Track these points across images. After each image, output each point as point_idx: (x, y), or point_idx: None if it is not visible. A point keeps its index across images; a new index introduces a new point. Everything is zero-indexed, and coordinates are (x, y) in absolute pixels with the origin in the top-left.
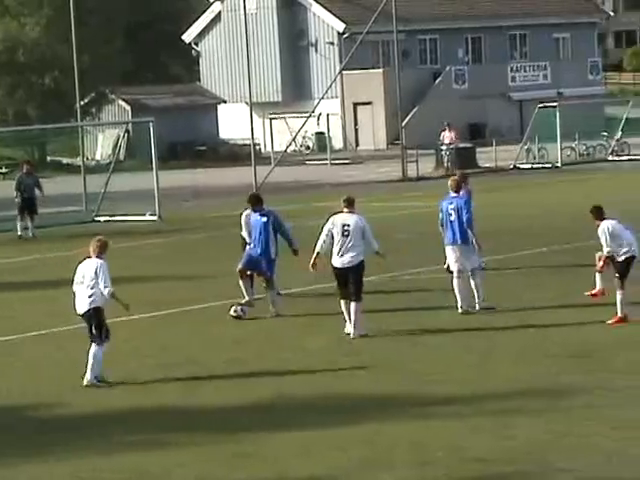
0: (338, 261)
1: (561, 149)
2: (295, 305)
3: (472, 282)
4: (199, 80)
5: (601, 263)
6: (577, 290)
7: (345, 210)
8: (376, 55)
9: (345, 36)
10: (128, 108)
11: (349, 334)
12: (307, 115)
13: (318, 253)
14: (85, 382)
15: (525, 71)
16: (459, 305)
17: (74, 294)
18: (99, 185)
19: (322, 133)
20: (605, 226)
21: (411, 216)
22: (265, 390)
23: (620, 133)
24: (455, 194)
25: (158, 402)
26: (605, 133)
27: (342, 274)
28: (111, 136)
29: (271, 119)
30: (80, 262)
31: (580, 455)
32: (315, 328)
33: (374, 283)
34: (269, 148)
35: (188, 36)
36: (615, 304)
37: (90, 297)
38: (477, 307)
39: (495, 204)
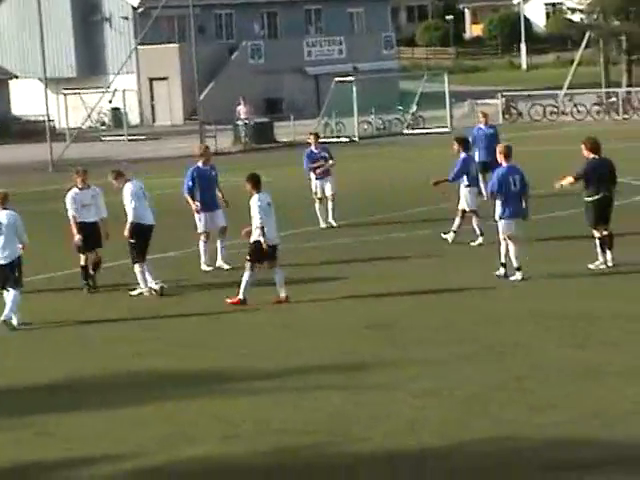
0: None
1: (358, 123)
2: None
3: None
4: None
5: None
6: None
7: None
8: (172, 30)
9: (140, 11)
10: None
11: None
12: (102, 91)
13: None
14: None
15: (321, 46)
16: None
17: None
18: None
19: (118, 109)
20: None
21: None
22: (59, 371)
23: (415, 107)
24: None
25: None
26: (400, 107)
27: None
28: None
29: (65, 95)
30: None
31: (382, 424)
32: (112, 303)
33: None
34: (64, 124)
35: None
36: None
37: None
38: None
39: (295, 177)
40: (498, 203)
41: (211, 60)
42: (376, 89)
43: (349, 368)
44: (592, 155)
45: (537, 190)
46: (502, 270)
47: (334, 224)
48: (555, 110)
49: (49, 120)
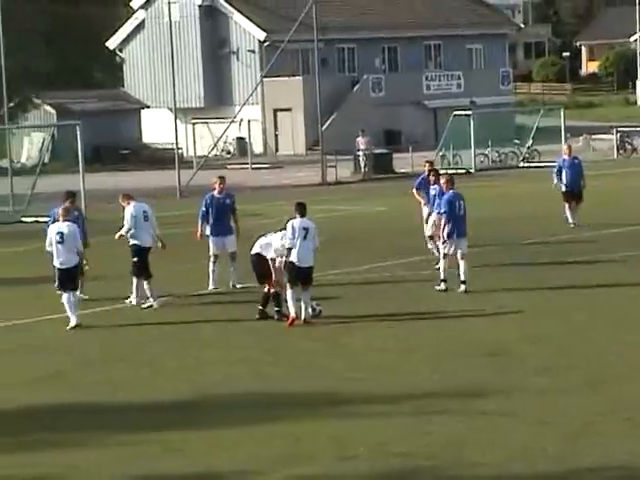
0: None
1: (475, 155)
2: (215, 305)
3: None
4: (123, 86)
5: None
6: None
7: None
8: (296, 63)
9: (266, 44)
10: (53, 112)
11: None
12: (229, 121)
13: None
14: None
15: (439, 80)
16: None
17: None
18: (25, 187)
19: (243, 138)
20: None
21: (332, 219)
22: (187, 388)
23: (531, 141)
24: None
25: (82, 399)
26: (516, 141)
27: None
28: (37, 139)
29: (194, 124)
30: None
31: (497, 450)
32: (237, 325)
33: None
34: (191, 152)
35: (112, 43)
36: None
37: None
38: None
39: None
40: (446, 224)
41: (333, 92)
42: (493, 123)
43: (464, 393)
44: None
45: None
46: (443, 285)
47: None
48: None
49: (178, 148)
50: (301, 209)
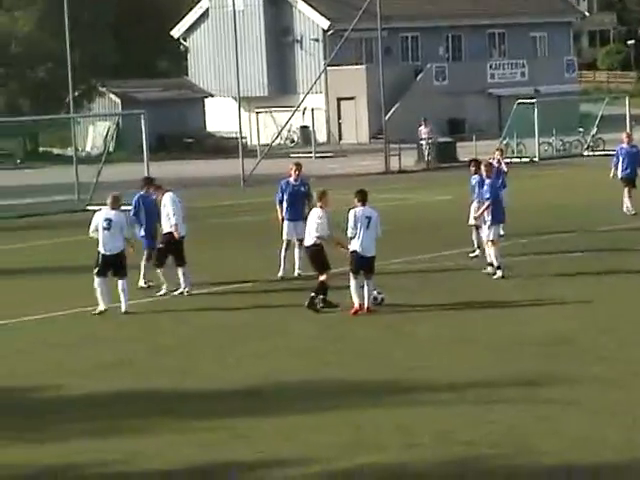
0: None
1: (539, 144)
2: (279, 292)
3: None
4: (187, 74)
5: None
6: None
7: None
8: (359, 52)
9: (330, 33)
10: (118, 101)
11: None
12: (292, 109)
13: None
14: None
15: (503, 69)
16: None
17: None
18: (90, 175)
19: (307, 127)
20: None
21: (395, 207)
22: (252, 376)
23: (595, 129)
24: None
25: (149, 387)
26: (581, 129)
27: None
28: (102, 128)
29: (257, 113)
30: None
31: (559, 438)
32: (300, 313)
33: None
34: (255, 141)
35: (177, 31)
36: None
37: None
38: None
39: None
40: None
41: (397, 81)
42: (557, 111)
43: (527, 383)
44: None
45: None
46: (500, 272)
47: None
48: None
49: (241, 137)
50: (363, 197)
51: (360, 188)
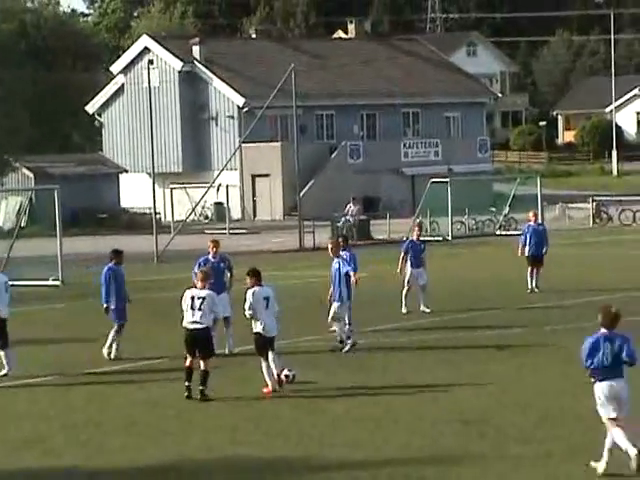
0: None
1: (452, 223)
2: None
3: None
4: (101, 150)
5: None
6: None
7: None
8: (274, 129)
9: (245, 110)
10: (31, 176)
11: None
12: (207, 186)
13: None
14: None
15: (417, 147)
16: None
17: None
18: (2, 250)
19: (221, 203)
20: None
21: (309, 284)
22: (166, 453)
23: (508, 209)
24: None
25: (63, 464)
26: (493, 208)
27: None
28: (14, 203)
29: (172, 189)
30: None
31: None
32: (217, 392)
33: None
34: (169, 217)
35: (92, 107)
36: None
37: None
38: None
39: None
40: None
41: (311, 158)
42: (470, 190)
43: (441, 461)
44: None
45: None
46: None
47: (427, 310)
48: None
49: (155, 213)
50: (258, 276)
51: (253, 267)
